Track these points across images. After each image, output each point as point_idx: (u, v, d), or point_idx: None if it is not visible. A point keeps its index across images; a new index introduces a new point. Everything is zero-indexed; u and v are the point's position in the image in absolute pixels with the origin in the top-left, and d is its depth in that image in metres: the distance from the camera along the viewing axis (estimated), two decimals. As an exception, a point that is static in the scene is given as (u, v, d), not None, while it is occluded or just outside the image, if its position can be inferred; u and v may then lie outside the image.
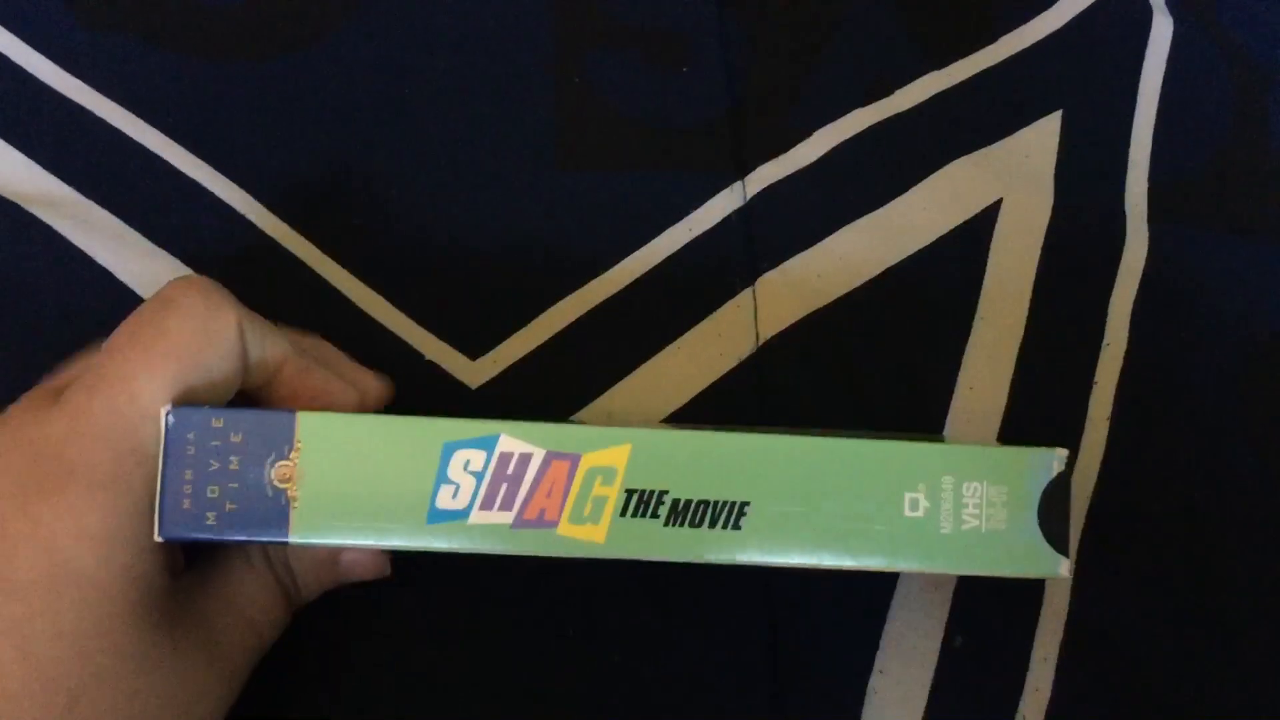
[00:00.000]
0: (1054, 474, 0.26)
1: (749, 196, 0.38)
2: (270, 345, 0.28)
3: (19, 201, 0.35)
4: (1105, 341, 0.37)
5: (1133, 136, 0.40)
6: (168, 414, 0.25)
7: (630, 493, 0.26)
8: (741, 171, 0.39)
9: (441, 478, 0.25)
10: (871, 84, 0.40)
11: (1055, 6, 0.42)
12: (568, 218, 0.38)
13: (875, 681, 0.33)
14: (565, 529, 0.25)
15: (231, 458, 0.25)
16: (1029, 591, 0.34)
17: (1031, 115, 0.40)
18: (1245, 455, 0.36)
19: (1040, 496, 0.26)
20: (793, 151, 0.39)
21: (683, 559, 0.26)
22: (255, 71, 0.38)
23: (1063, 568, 0.26)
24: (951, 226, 0.38)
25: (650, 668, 0.33)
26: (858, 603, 0.34)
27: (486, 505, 0.25)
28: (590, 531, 0.25)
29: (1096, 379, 0.37)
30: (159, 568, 0.26)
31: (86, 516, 0.24)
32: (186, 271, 0.35)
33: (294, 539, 0.25)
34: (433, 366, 0.35)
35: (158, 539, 0.25)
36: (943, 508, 0.26)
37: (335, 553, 0.29)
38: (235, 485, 0.25)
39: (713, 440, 0.26)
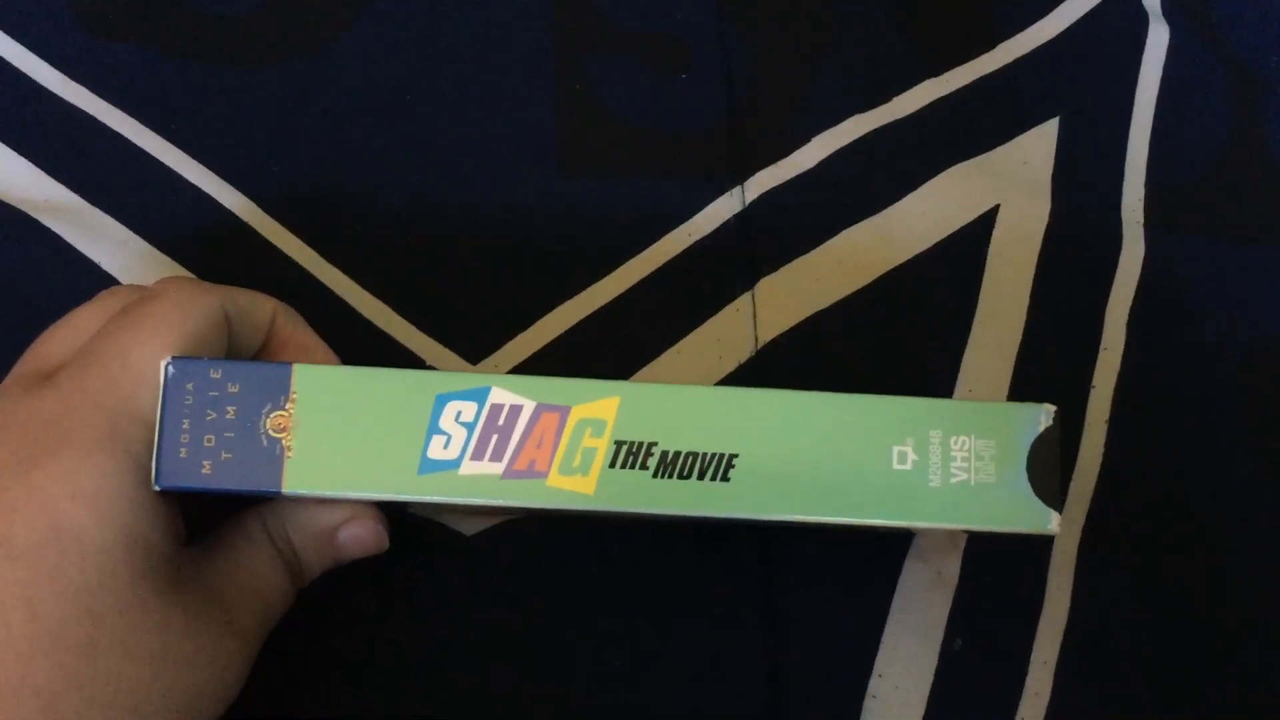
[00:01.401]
0: (1041, 428, 0.26)
1: (748, 201, 0.38)
2: (256, 306, 0.30)
3: (24, 207, 0.36)
4: (1103, 346, 0.37)
5: (1129, 143, 0.40)
6: (167, 365, 0.26)
7: (619, 444, 0.26)
8: (741, 176, 0.39)
9: (433, 428, 0.26)
10: (870, 90, 0.40)
11: (1052, 14, 0.42)
12: (568, 222, 0.38)
13: (875, 685, 0.33)
14: (555, 480, 0.26)
15: (229, 408, 0.26)
16: (1029, 595, 0.35)
17: (1029, 122, 0.40)
18: (1242, 459, 0.36)
19: (1029, 451, 0.26)
20: (792, 157, 0.39)
21: (670, 511, 0.26)
22: (258, 78, 0.38)
23: (1052, 522, 0.26)
24: (949, 232, 0.38)
25: (649, 670, 0.33)
26: (857, 605, 0.34)
27: (477, 456, 0.26)
28: (580, 483, 0.26)
29: (1094, 383, 0.37)
30: (161, 531, 0.26)
31: (82, 478, 0.25)
32: (189, 276, 0.35)
33: (288, 490, 0.25)
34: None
35: (155, 488, 0.26)
36: (931, 462, 0.26)
37: (334, 528, 0.30)
38: (231, 435, 0.26)
39: (701, 394, 0.26)
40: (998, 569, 0.35)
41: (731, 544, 0.34)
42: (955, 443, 0.26)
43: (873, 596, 0.34)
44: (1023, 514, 0.26)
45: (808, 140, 0.39)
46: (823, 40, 0.41)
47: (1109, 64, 0.42)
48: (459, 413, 0.26)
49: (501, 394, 0.26)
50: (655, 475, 0.26)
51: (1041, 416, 0.26)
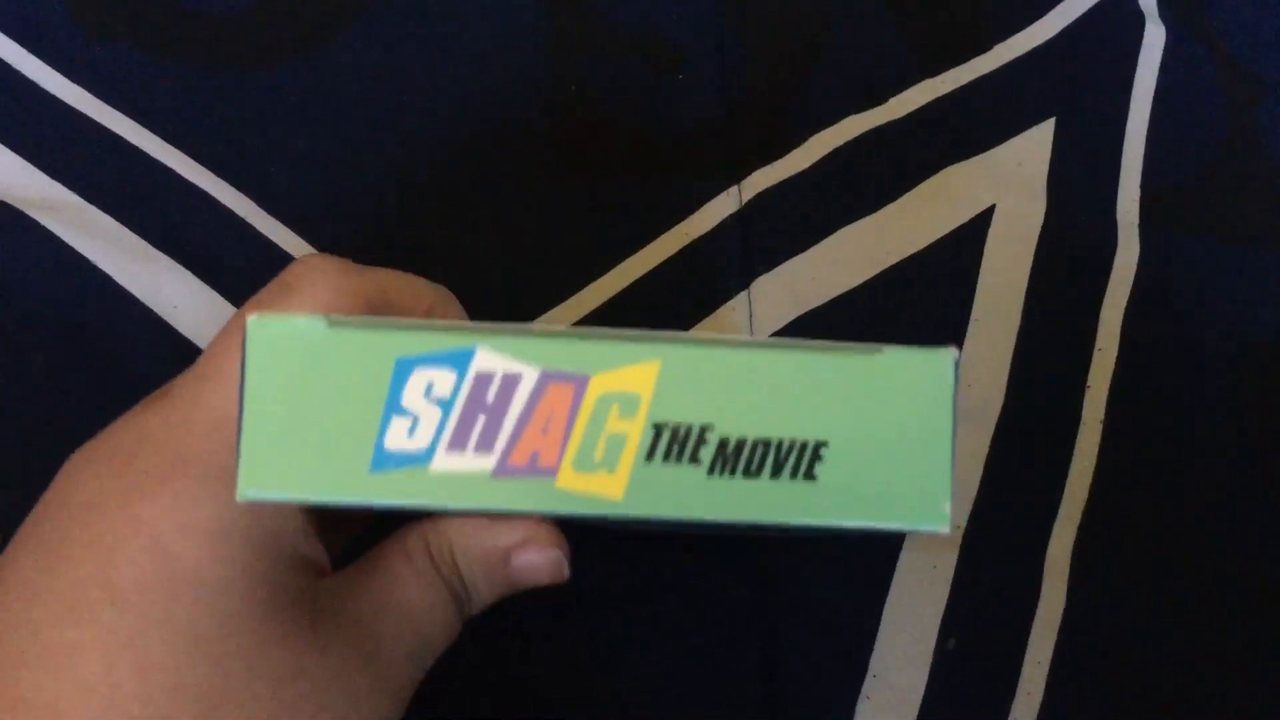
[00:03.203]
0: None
1: (745, 201, 0.38)
2: (411, 293, 0.26)
3: (21, 206, 0.36)
4: (1097, 346, 0.37)
5: (1125, 144, 0.41)
6: None
7: (659, 428, 0.19)
8: (737, 177, 0.39)
9: (393, 407, 0.19)
10: (866, 91, 0.40)
11: (1048, 15, 0.42)
12: (565, 223, 0.38)
13: (869, 684, 0.33)
14: (568, 480, 0.19)
15: None
16: (1023, 594, 0.35)
17: (1025, 123, 0.40)
18: (1237, 459, 0.37)
19: None
20: (788, 157, 0.39)
21: (734, 520, 0.19)
22: (255, 79, 0.38)
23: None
24: (945, 232, 0.39)
25: (644, 671, 0.33)
26: (851, 606, 0.34)
27: (457, 446, 0.19)
28: (603, 483, 0.19)
29: (1089, 383, 0.37)
30: (289, 564, 0.23)
31: (195, 511, 0.21)
32: (184, 274, 0.35)
33: (240, 495, 0.19)
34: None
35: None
36: None
37: (505, 551, 0.25)
38: None
39: (776, 357, 0.19)
40: (992, 568, 0.35)
41: (725, 545, 0.34)
42: None
43: (867, 597, 0.34)
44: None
45: (804, 140, 0.40)
46: (819, 40, 0.41)
47: (1105, 65, 0.42)
48: (430, 384, 0.19)
49: (491, 358, 0.19)
50: (711, 473, 0.19)
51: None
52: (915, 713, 0.33)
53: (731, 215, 0.38)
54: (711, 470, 0.19)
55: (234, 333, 0.23)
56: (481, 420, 0.19)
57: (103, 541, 0.21)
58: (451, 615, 0.25)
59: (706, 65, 0.40)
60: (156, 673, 0.21)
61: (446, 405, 0.19)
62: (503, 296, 0.37)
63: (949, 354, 0.19)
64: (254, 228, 0.36)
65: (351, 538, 0.27)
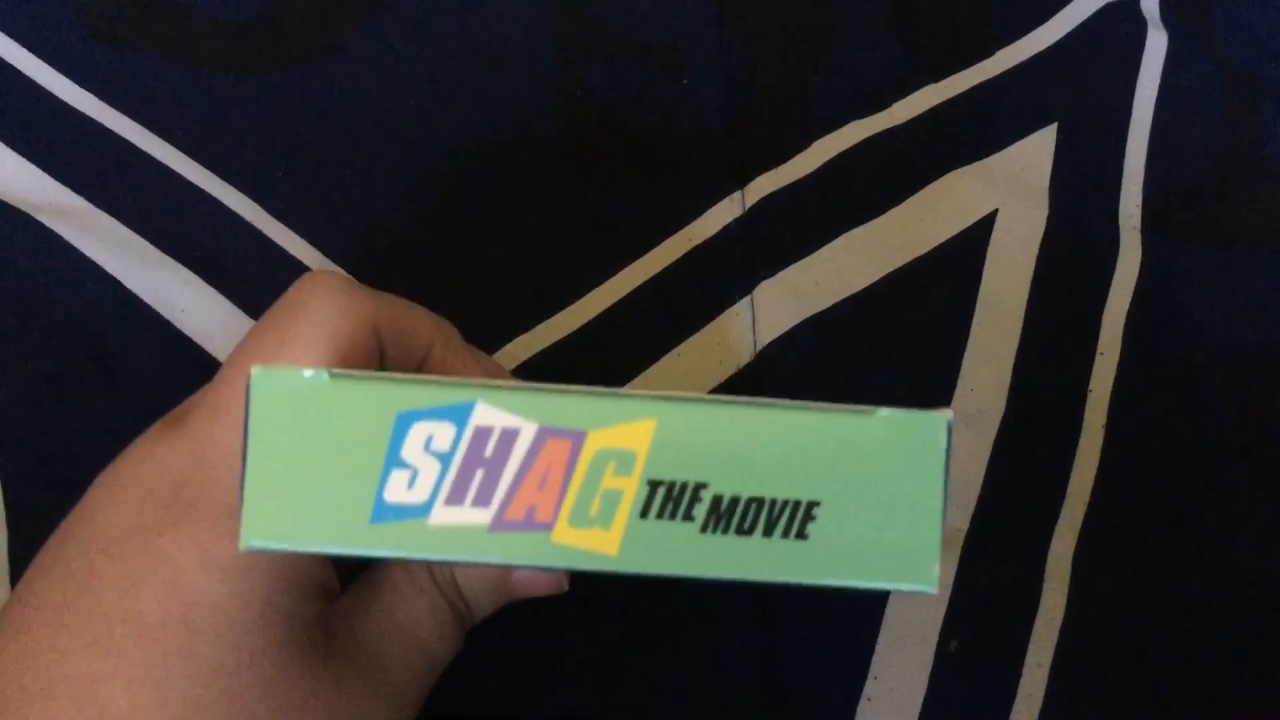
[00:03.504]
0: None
1: (748, 206, 0.39)
2: (414, 327, 0.26)
3: (29, 210, 0.36)
4: (1099, 351, 0.38)
5: (1127, 149, 0.41)
6: None
7: (654, 485, 0.19)
8: (740, 182, 0.39)
9: (393, 460, 0.19)
10: (869, 96, 0.41)
11: (1051, 20, 0.42)
12: (569, 228, 0.38)
13: (870, 687, 0.34)
14: (564, 534, 0.19)
15: None
16: (1024, 598, 0.35)
17: (1027, 128, 0.41)
18: (1238, 464, 0.37)
19: None
20: (791, 162, 0.39)
21: (726, 577, 0.20)
22: (262, 85, 0.39)
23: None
24: (948, 236, 0.39)
25: (647, 672, 0.33)
26: (853, 608, 0.34)
27: (455, 499, 0.19)
28: (598, 539, 0.19)
29: (1091, 387, 0.37)
30: (303, 595, 0.23)
31: (213, 549, 0.22)
32: (191, 278, 0.36)
33: (243, 545, 0.19)
34: (435, 374, 0.36)
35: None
36: None
37: (506, 572, 0.26)
38: None
39: (771, 417, 0.19)
40: (993, 571, 0.35)
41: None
42: None
43: (868, 599, 0.34)
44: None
45: (807, 145, 0.40)
46: (822, 46, 0.41)
47: (1107, 70, 0.42)
48: (430, 437, 0.19)
49: (490, 412, 0.19)
50: (704, 529, 0.19)
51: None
52: (916, 715, 0.33)
53: (735, 220, 0.38)
54: (705, 528, 0.19)
55: (244, 363, 0.23)
56: (480, 474, 0.19)
57: (127, 575, 0.22)
58: (454, 630, 0.26)
59: (710, 71, 0.40)
60: (178, 705, 0.21)
61: (446, 459, 0.19)
62: (507, 300, 0.37)
63: (942, 418, 0.20)
64: (261, 232, 0.37)
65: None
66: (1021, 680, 0.34)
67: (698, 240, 0.38)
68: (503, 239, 0.38)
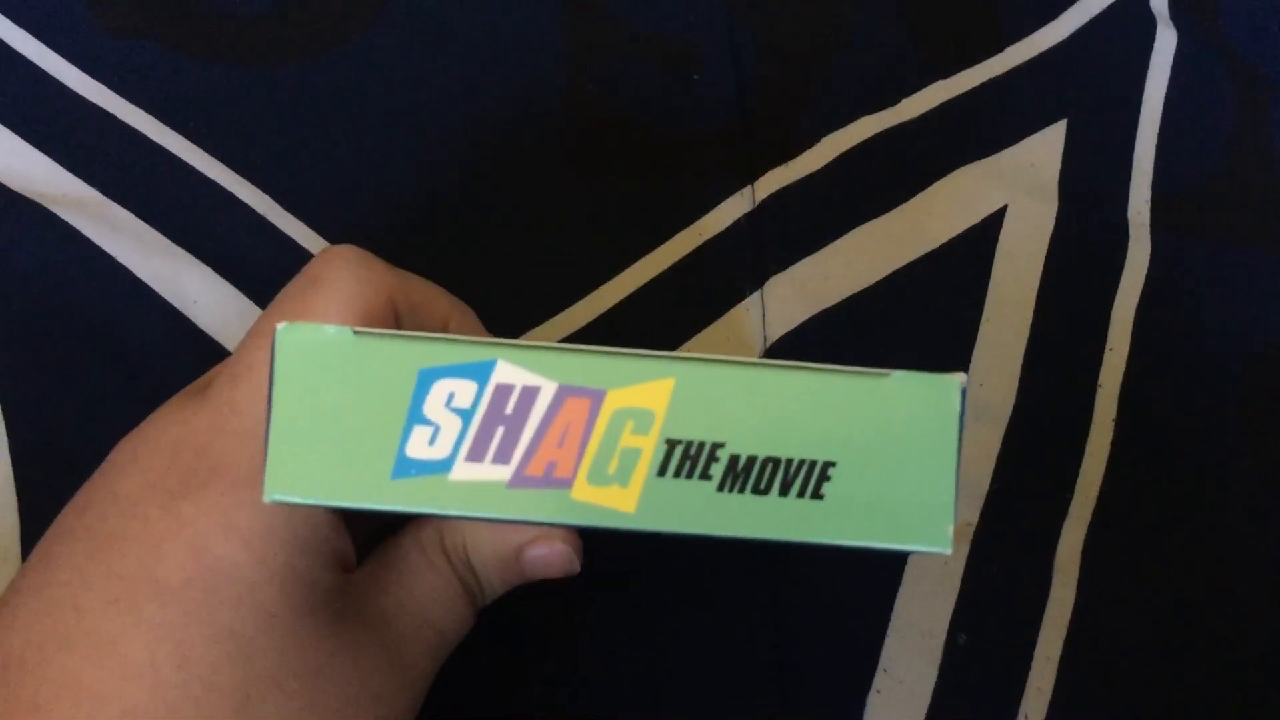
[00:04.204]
0: None
1: (758, 201, 0.39)
2: (430, 303, 0.26)
3: (43, 203, 0.36)
4: (1109, 347, 0.38)
5: (1137, 145, 0.41)
6: None
7: (672, 444, 0.20)
8: (751, 177, 0.39)
9: (415, 416, 0.19)
10: (879, 92, 0.41)
11: (1061, 17, 0.42)
12: (579, 223, 0.38)
13: (879, 679, 0.34)
14: (582, 491, 0.20)
15: None
16: (1033, 591, 0.35)
17: (1037, 124, 0.41)
18: (1247, 459, 0.37)
19: None
20: (801, 158, 0.40)
21: (740, 536, 0.20)
22: (274, 77, 0.39)
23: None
24: (957, 232, 0.39)
25: (653, 666, 0.34)
26: (862, 601, 0.34)
27: (475, 455, 0.19)
28: (616, 496, 0.20)
29: (1101, 382, 0.37)
30: (323, 564, 0.24)
31: (234, 514, 0.22)
32: (204, 270, 0.36)
33: (267, 498, 0.20)
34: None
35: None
36: None
37: (518, 546, 0.26)
38: None
39: (791, 378, 0.20)
40: (1003, 565, 0.35)
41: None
42: None
43: (878, 591, 0.34)
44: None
45: (817, 141, 0.40)
46: (832, 42, 0.41)
47: (1117, 67, 0.42)
48: (451, 394, 0.19)
49: (511, 370, 0.20)
50: (721, 488, 0.20)
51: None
52: (925, 707, 0.33)
53: (745, 215, 0.39)
54: (721, 487, 0.20)
55: (265, 332, 0.24)
56: (500, 431, 0.20)
57: (148, 538, 0.22)
58: (466, 608, 0.26)
59: (720, 67, 0.41)
60: (195, 666, 0.21)
61: (467, 415, 0.20)
62: (517, 295, 0.37)
63: (956, 380, 0.20)
64: (273, 224, 0.37)
65: (375, 529, 0.27)
66: (1030, 673, 0.34)
67: (708, 235, 0.38)
68: (514, 233, 0.38)
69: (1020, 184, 0.40)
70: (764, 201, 0.39)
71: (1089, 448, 0.36)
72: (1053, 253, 0.39)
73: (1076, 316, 0.38)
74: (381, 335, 0.20)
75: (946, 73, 0.41)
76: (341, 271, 0.24)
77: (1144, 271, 0.39)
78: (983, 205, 0.39)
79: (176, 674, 0.21)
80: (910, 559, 0.35)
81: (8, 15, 0.39)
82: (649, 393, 0.20)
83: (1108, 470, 0.36)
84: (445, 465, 0.19)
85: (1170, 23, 0.42)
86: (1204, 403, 0.37)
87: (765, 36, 0.41)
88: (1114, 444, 0.36)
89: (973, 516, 0.35)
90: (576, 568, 0.27)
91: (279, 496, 0.19)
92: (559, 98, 0.40)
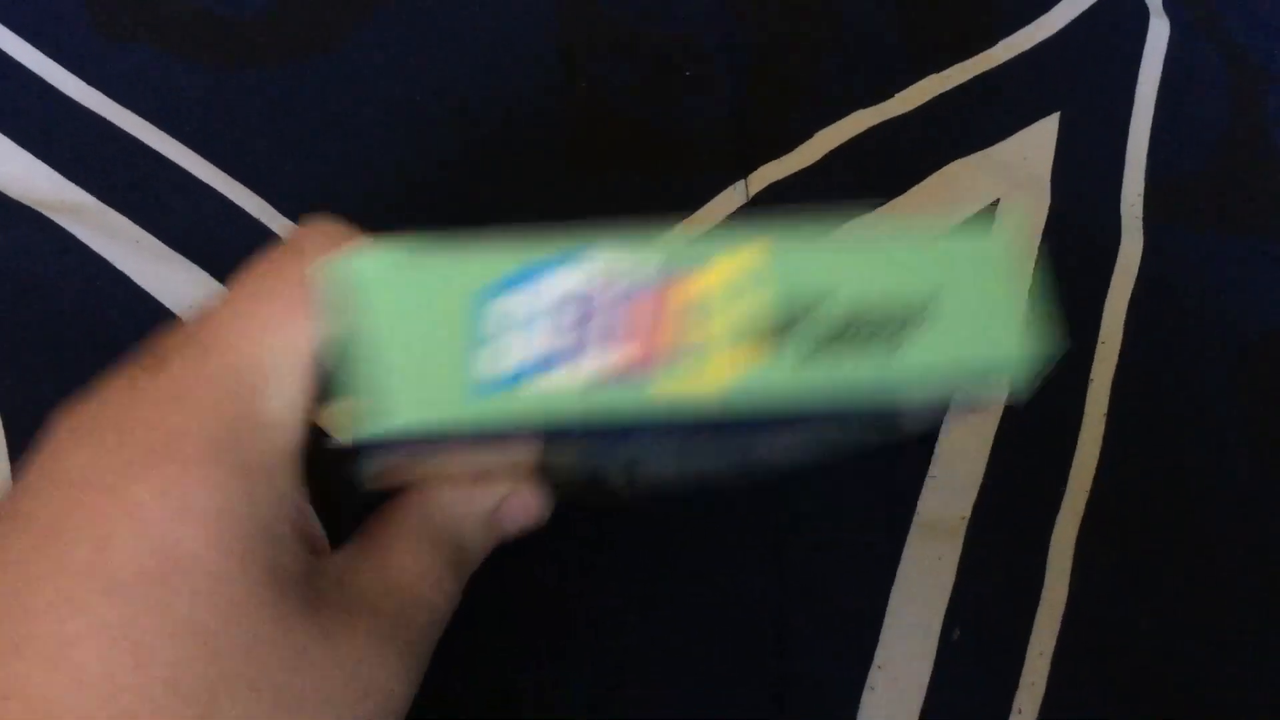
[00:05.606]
0: None
1: (751, 195, 0.39)
2: None
3: (40, 208, 0.36)
4: (1101, 339, 0.38)
5: (1129, 138, 0.41)
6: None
7: (744, 326, 0.19)
8: (745, 171, 0.39)
9: (481, 332, 0.19)
10: (872, 86, 0.41)
11: (1053, 10, 0.42)
12: (574, 217, 0.38)
13: (874, 676, 0.34)
14: (661, 384, 0.19)
15: None
16: (1027, 586, 0.35)
17: (1029, 117, 0.41)
18: (1240, 451, 0.37)
19: None
20: (795, 152, 0.40)
21: (826, 409, 0.20)
22: (268, 79, 0.39)
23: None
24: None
25: (649, 659, 0.34)
26: (858, 596, 0.35)
27: (549, 363, 0.19)
28: (696, 382, 0.19)
29: (1092, 376, 0.37)
30: (290, 550, 0.22)
31: (190, 495, 0.20)
32: (201, 275, 0.36)
33: (355, 434, 0.19)
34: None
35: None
36: None
37: (495, 507, 0.26)
38: None
39: (869, 250, 0.20)
40: (996, 560, 0.35)
41: (737, 536, 0.35)
42: None
43: (872, 587, 0.35)
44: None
45: (811, 135, 0.40)
46: (825, 37, 0.41)
47: (1109, 59, 0.42)
48: (524, 301, 0.19)
49: (571, 273, 0.20)
50: (801, 362, 0.19)
51: None
52: (919, 703, 0.34)
53: (739, 209, 0.39)
54: (801, 359, 0.19)
55: (239, 299, 0.22)
56: (572, 335, 0.19)
57: (96, 525, 0.20)
58: (452, 582, 0.25)
59: (715, 61, 0.41)
60: (154, 667, 0.20)
61: (538, 321, 0.19)
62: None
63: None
64: (269, 228, 0.37)
65: (351, 512, 0.27)
66: (1024, 668, 0.34)
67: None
68: (509, 229, 0.38)
69: (1013, 177, 0.40)
70: (758, 195, 0.39)
71: (1081, 441, 0.37)
72: (1045, 245, 0.39)
73: (1069, 309, 0.38)
74: (436, 253, 0.20)
75: (939, 67, 0.41)
76: (321, 243, 0.23)
77: (1137, 263, 0.39)
78: (976, 198, 0.39)
79: (133, 677, 0.19)
80: (906, 550, 0.35)
81: (4, 22, 0.39)
82: (713, 277, 0.19)
83: (1100, 463, 0.36)
84: (524, 375, 0.19)
85: (1163, 14, 0.42)
86: (1197, 394, 0.38)
87: (759, 31, 0.41)
88: (1106, 437, 0.37)
89: (965, 510, 0.35)
90: (546, 514, 0.27)
91: (372, 427, 0.19)
92: (554, 94, 0.40)
